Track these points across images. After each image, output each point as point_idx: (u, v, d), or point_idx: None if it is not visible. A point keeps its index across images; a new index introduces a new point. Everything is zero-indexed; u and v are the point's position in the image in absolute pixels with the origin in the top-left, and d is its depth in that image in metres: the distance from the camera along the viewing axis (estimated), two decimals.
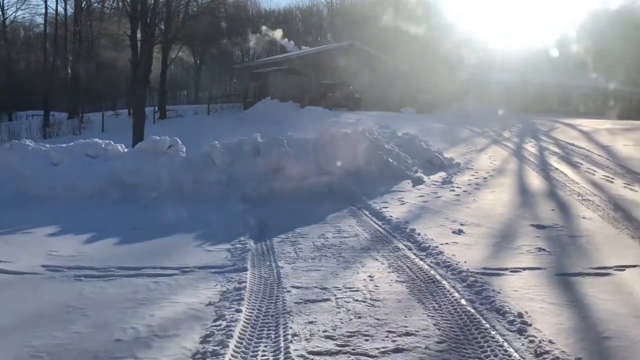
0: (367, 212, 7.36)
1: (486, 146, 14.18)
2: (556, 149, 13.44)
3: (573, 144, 14.06)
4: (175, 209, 7.33)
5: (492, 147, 14.07)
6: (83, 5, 30.50)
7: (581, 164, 11.41)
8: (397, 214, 7.12)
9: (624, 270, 4.99)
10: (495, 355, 3.26)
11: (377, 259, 5.29)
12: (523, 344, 3.41)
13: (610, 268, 5.02)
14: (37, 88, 38.08)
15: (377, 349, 3.35)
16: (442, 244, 5.66)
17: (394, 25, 38.91)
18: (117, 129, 25.76)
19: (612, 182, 9.61)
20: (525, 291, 4.36)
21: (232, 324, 3.63)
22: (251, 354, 3.28)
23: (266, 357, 3.24)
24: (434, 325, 3.70)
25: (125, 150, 8.78)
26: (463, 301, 4.12)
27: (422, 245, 5.68)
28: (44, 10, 32.04)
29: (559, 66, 33.21)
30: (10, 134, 24.26)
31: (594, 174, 10.27)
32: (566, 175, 10.14)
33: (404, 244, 5.78)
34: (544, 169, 10.79)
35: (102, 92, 33.32)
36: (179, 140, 8.87)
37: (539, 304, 4.08)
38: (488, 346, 3.38)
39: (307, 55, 28.95)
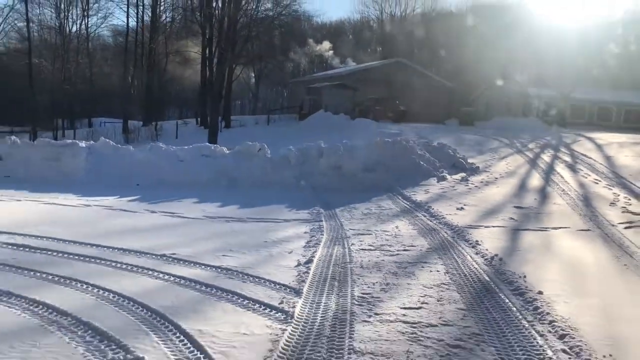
0: (399, 197, 10.75)
1: (508, 155, 17.24)
2: (567, 158, 16.35)
3: (584, 155, 16.89)
4: (267, 193, 10.94)
5: (513, 155, 17.11)
6: (158, 25, 35.19)
7: (581, 170, 14.34)
8: (421, 198, 10.48)
9: (557, 229, 8.18)
10: (458, 256, 6.58)
11: (402, 220, 8.68)
12: (474, 252, 6.70)
13: (548, 228, 8.21)
14: (110, 97, 43.42)
15: (395, 250, 6.75)
16: (446, 214, 8.97)
17: (441, 41, 42.07)
18: (188, 136, 29.99)
19: (597, 183, 12.55)
20: (487, 234, 7.64)
21: (320, 239, 7.10)
22: (330, 250, 6.73)
23: (339, 251, 6.69)
24: (428, 244, 7.06)
25: (227, 151, 12.51)
26: (447, 237, 7.45)
27: (433, 214, 9.02)
28: (124, 28, 36.82)
29: (600, 82, 35.48)
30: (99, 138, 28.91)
31: (586, 177, 13.22)
32: (563, 177, 13.15)
33: (421, 214, 9.13)
34: (548, 173, 13.82)
35: (172, 103, 37.91)
36: (265, 145, 12.54)
37: (491, 239, 7.35)
38: (454, 251, 6.71)
39: (357, 72, 32.55)
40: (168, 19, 36.92)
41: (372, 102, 29.15)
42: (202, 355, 3.56)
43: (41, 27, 36.18)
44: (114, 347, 3.65)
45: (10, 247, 6.24)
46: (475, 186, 11.98)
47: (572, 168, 14.77)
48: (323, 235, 7.42)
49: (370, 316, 4.44)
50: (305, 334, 3.99)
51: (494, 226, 8.27)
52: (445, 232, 7.73)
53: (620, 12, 44.05)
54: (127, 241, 6.65)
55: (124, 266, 5.66)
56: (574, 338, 4.02)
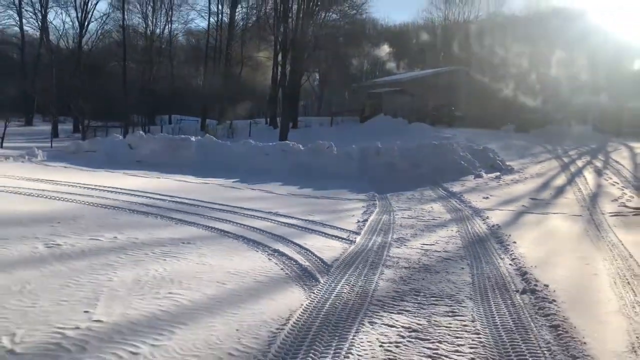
0: (440, 189, 13.80)
1: (546, 159, 19.81)
2: (599, 164, 18.75)
3: (617, 162, 19.19)
4: (334, 181, 14.27)
5: (550, 160, 19.66)
6: (234, 32, 39.43)
7: (606, 173, 16.80)
8: (456, 189, 13.49)
9: (555, 214, 11.02)
10: (469, 224, 9.61)
11: (437, 203, 11.76)
12: (482, 222, 9.71)
13: (549, 213, 11.06)
14: (187, 97, 48.23)
15: (425, 219, 9.89)
16: (473, 201, 11.97)
17: (500, 47, 44.09)
18: (259, 134, 33.88)
19: (614, 185, 15.06)
20: (498, 214, 10.60)
21: (373, 210, 10.34)
22: (380, 216, 9.94)
23: (386, 217, 9.88)
24: (451, 217, 10.15)
25: (302, 148, 15.95)
26: (467, 214, 10.50)
27: (462, 200, 12.05)
28: (202, 31, 41.33)
29: None
30: (184, 134, 33.30)
31: (607, 180, 15.73)
32: (586, 179, 15.72)
33: (453, 200, 12.17)
34: (574, 175, 16.41)
35: (244, 103, 42.14)
36: (333, 144, 15.90)
37: (499, 217, 10.32)
38: (468, 222, 9.77)
39: (417, 78, 35.45)
40: (243, 26, 41.08)
41: (429, 108, 31.99)
42: (306, 255, 6.87)
43: (130, 32, 41.20)
44: (260, 246, 7.04)
45: (174, 202, 9.87)
46: (506, 183, 14.85)
47: (598, 172, 17.25)
48: (376, 208, 10.65)
49: (399, 246, 7.63)
50: (361, 249, 7.25)
51: (506, 210, 11.22)
52: (467, 212, 10.77)
53: None
54: (243, 204, 10.15)
55: (248, 213, 9.12)
56: (519, 260, 7.05)
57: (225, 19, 40.01)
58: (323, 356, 3.83)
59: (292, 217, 9.15)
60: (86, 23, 38.52)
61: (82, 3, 38.16)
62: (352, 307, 4.89)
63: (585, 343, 4.31)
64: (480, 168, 16.23)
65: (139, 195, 10.13)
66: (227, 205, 9.90)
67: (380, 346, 4.10)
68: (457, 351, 4.10)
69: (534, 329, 4.59)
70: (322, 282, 5.62)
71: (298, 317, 4.53)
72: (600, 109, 35.76)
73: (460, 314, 4.92)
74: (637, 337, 4.50)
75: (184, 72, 48.96)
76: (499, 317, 4.86)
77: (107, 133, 32.76)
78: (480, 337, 4.39)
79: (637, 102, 35.90)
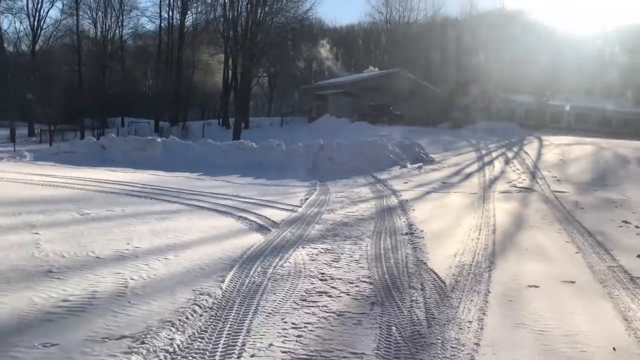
0: (370, 177, 17.04)
1: (467, 152, 23.47)
2: (510, 155, 22.52)
3: (526, 152, 23.03)
4: (283, 173, 17.28)
5: (470, 152, 23.32)
6: (185, 38, 41.85)
7: (513, 162, 20.51)
8: (384, 177, 16.77)
9: (455, 193, 14.40)
10: (386, 200, 12.84)
11: (365, 187, 14.98)
12: (396, 199, 12.95)
13: (450, 192, 14.44)
14: (139, 100, 50.12)
15: (354, 198, 13.06)
16: (394, 185, 15.24)
17: (438, 48, 48.26)
18: (213, 135, 36.46)
19: (515, 171, 18.71)
20: (410, 193, 13.87)
21: (314, 192, 13.43)
22: (319, 196, 13.04)
23: (323, 197, 12.99)
24: (374, 196, 13.36)
25: (255, 145, 18.91)
26: (387, 194, 13.75)
27: (386, 185, 15.31)
28: (153, 34, 43.54)
29: (579, 90, 41.53)
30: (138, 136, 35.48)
31: (511, 167, 19.38)
32: (494, 167, 19.33)
33: (379, 185, 15.41)
34: (485, 164, 20.01)
35: (195, 105, 44.59)
36: (282, 142, 18.93)
37: (411, 195, 13.60)
38: (385, 199, 12.99)
39: (359, 80, 38.94)
40: (194, 30, 43.52)
41: (370, 107, 35.50)
42: (262, 219, 9.84)
43: (82, 37, 42.93)
44: (228, 214, 9.98)
45: (155, 189, 12.67)
46: (425, 172, 18.27)
47: (507, 161, 20.97)
48: (316, 191, 13.75)
49: (329, 213, 10.74)
50: (301, 215, 10.30)
51: (418, 190, 14.55)
52: (387, 192, 14.02)
53: (599, 27, 50.12)
54: (210, 190, 13.04)
55: (215, 196, 12.04)
56: (411, 219, 10.27)
57: (176, 24, 42.36)
58: (273, 259, 6.87)
59: (250, 198, 12.13)
60: (39, 30, 40.10)
61: (34, 10, 39.73)
62: (292, 241, 7.96)
63: (428, 253, 7.52)
64: (407, 160, 19.62)
65: (126, 185, 12.86)
66: (197, 191, 12.78)
67: (307, 255, 7.18)
68: (350, 257, 7.23)
69: (403, 248, 7.78)
70: (273, 231, 8.65)
71: (258, 245, 7.56)
72: (525, 107, 40.26)
73: (359, 243, 8.06)
74: (461, 252, 7.75)
75: (136, 76, 50.82)
76: (383, 244, 8.03)
77: (62, 137, 34.65)
78: (367, 252, 7.53)
79: (561, 100, 40.69)
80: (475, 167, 19.53)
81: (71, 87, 38.65)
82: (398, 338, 4.49)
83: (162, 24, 41.59)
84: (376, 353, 4.19)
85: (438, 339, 4.49)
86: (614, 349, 4.45)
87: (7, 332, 4.17)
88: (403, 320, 4.89)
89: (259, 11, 34.03)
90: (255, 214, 10.12)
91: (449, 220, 10.50)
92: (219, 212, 10.19)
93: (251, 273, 6.19)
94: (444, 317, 5.03)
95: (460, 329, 4.74)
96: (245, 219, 9.61)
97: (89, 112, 38.60)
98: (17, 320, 4.42)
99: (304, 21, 43.96)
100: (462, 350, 4.28)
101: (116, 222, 8.50)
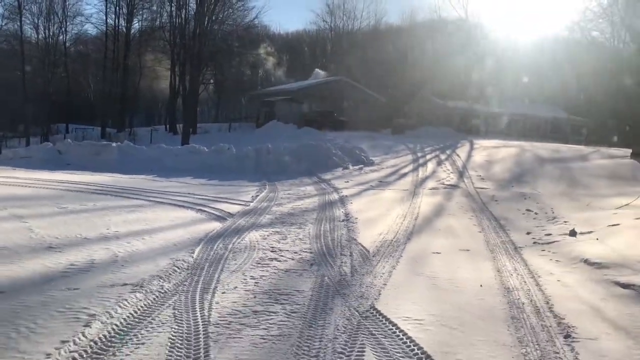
0: (315, 177, 18.82)
1: (404, 155, 25.66)
2: (443, 157, 24.85)
3: (458, 155, 25.43)
4: (234, 174, 18.82)
5: (408, 155, 25.51)
6: (131, 44, 42.63)
7: (444, 164, 22.78)
8: (327, 177, 18.58)
9: (390, 190, 16.36)
10: (328, 196, 14.63)
11: (310, 186, 16.73)
12: (337, 195, 14.76)
13: (385, 189, 16.40)
14: (83, 106, 50.27)
15: (299, 194, 14.79)
16: (336, 184, 17.06)
17: (379, 57, 50.79)
18: (160, 140, 37.42)
19: (445, 171, 20.93)
20: (350, 190, 15.73)
21: (264, 191, 15.07)
22: (268, 194, 14.69)
23: (272, 194, 14.64)
24: (318, 193, 15.13)
25: (207, 149, 20.35)
26: (329, 191, 15.56)
27: (329, 184, 17.12)
28: (99, 40, 44.05)
29: (510, 96, 44.92)
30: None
31: (442, 168, 21.62)
32: (427, 168, 21.51)
33: (323, 184, 17.21)
34: (420, 166, 22.17)
35: (142, 111, 45.29)
36: (232, 146, 20.46)
37: (350, 191, 15.45)
38: (328, 195, 14.79)
39: (305, 87, 40.86)
40: (139, 37, 44.31)
41: (315, 114, 37.45)
42: (218, 211, 11.41)
43: (25, 43, 42.92)
44: (188, 208, 11.50)
45: (117, 189, 13.98)
46: (365, 172, 20.22)
47: (439, 163, 23.24)
48: (265, 189, 15.39)
49: (278, 207, 12.40)
50: (253, 208, 11.93)
51: (357, 188, 16.42)
52: (329, 190, 15.82)
53: (534, 37, 54.17)
54: (167, 189, 14.45)
55: (173, 194, 13.48)
56: (348, 210, 12.07)
57: (122, 30, 43.02)
58: (232, 239, 8.49)
59: (205, 196, 13.65)
60: None
61: None
62: (246, 227, 9.59)
63: (359, 233, 9.32)
64: (349, 162, 21.53)
65: (89, 185, 14.10)
66: (156, 190, 14.18)
67: (260, 236, 8.84)
68: (295, 237, 8.94)
69: (339, 230, 9.55)
70: (229, 220, 10.26)
71: (218, 230, 9.16)
72: (462, 113, 43.23)
73: (303, 228, 9.78)
74: (386, 232, 9.59)
75: (80, 82, 50.91)
76: (323, 227, 9.79)
77: (6, 144, 34.83)
78: (309, 233, 9.26)
79: (493, 106, 43.91)
80: (410, 168, 21.66)
81: (13, 94, 38.75)
82: (328, 282, 6.23)
83: (108, 31, 42.19)
84: (311, 289, 5.92)
85: (357, 282, 6.27)
86: (480, 285, 6.35)
87: (37, 283, 5.64)
88: (333, 273, 6.65)
89: (206, 19, 35.40)
90: (212, 207, 11.67)
91: (381, 210, 12.38)
92: (180, 206, 11.68)
93: (215, 247, 7.80)
94: (364, 270, 6.81)
95: (375, 277, 6.54)
96: (204, 211, 11.16)
97: (33, 119, 38.77)
98: (40, 277, 5.89)
99: (251, 28, 45.54)
100: (373, 288, 6.06)
101: (92, 214, 9.89)
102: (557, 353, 4.44)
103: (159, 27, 41.44)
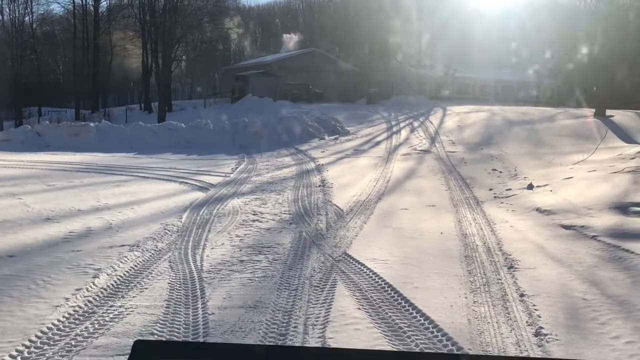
0: (292, 148, 19.50)
1: (378, 124, 26.43)
2: (416, 124, 25.68)
3: (430, 121, 26.28)
4: (212, 149, 19.40)
5: (382, 124, 26.28)
6: (101, 23, 42.34)
7: (417, 130, 23.62)
8: (304, 148, 19.28)
9: (364, 157, 17.15)
10: (305, 165, 15.36)
11: (288, 157, 17.44)
12: (314, 164, 15.50)
13: (360, 157, 17.18)
14: (55, 88, 49.85)
15: (278, 164, 15.50)
16: (313, 154, 17.78)
17: (351, 26, 51.11)
18: (136, 119, 37.49)
19: (417, 137, 21.77)
20: (326, 159, 16.48)
21: (243, 163, 15.74)
22: (247, 165, 15.37)
23: (251, 165, 15.32)
24: (295, 163, 15.85)
25: (184, 126, 20.85)
26: (306, 160, 16.28)
27: (306, 154, 17.83)
28: (67, 21, 43.63)
29: (483, 62, 45.79)
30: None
31: (415, 134, 22.45)
32: (400, 136, 22.32)
33: (300, 154, 17.91)
34: (393, 133, 22.98)
35: (116, 91, 45.18)
36: (209, 121, 20.98)
37: (326, 160, 16.20)
38: (305, 164, 15.52)
39: (279, 60, 41.15)
40: (107, 14, 43.99)
41: (290, 87, 37.88)
42: (200, 182, 12.07)
43: None
44: (171, 181, 12.14)
45: (101, 166, 14.51)
46: (341, 142, 20.96)
47: (412, 130, 24.07)
48: (244, 162, 16.05)
49: (257, 176, 13.11)
50: (233, 179, 12.62)
51: (333, 157, 17.17)
52: (306, 159, 16.54)
53: (507, 2, 54.82)
54: (148, 165, 15.02)
55: (155, 169, 14.08)
56: (324, 177, 12.82)
57: (90, 9, 42.64)
58: (216, 205, 9.19)
59: (186, 169, 14.28)
60: None
61: None
62: (228, 195, 10.30)
63: (334, 196, 10.09)
64: (325, 133, 22.23)
65: (72, 164, 14.60)
66: (138, 166, 14.76)
67: (242, 202, 9.56)
68: (275, 201, 9.68)
69: (315, 194, 10.31)
70: (211, 190, 10.94)
71: (202, 198, 9.85)
72: (435, 80, 44.02)
73: (282, 194, 10.52)
74: (359, 194, 10.38)
75: (50, 64, 50.42)
76: (300, 193, 10.54)
77: None
78: (288, 198, 10.00)
79: (468, 72, 44.74)
80: (384, 136, 22.45)
81: None
82: (305, 236, 7.01)
83: (75, 10, 41.78)
84: (290, 242, 6.70)
85: (331, 235, 7.05)
86: (441, 233, 7.18)
87: (43, 248, 6.31)
88: (310, 229, 7.43)
89: None
90: (194, 179, 12.33)
91: (355, 176, 13.17)
92: (163, 180, 12.31)
93: (201, 213, 8.51)
94: (338, 226, 7.60)
95: (347, 230, 7.33)
96: (187, 183, 11.82)
97: (3, 103, 38.53)
98: (44, 243, 6.55)
99: (221, 2, 45.43)
100: (346, 239, 6.85)
101: (80, 190, 10.49)
102: (500, 279, 5.29)
103: (128, 4, 41.10)
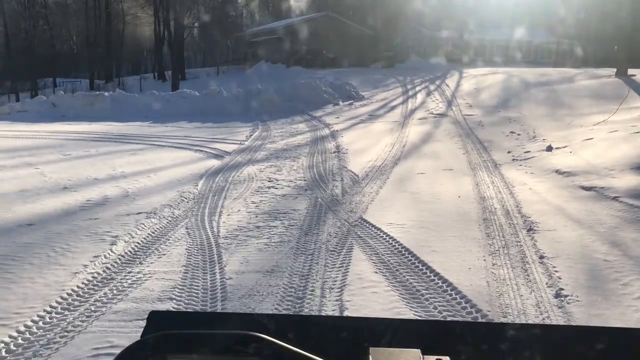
0: (306, 115, 19.37)
1: (393, 88, 26.09)
2: (432, 87, 25.32)
3: (446, 84, 25.89)
4: (226, 117, 19.35)
5: (397, 88, 25.95)
6: None
7: (434, 94, 23.29)
8: (318, 114, 19.14)
9: (380, 122, 16.98)
10: (319, 132, 15.27)
11: (302, 124, 17.33)
12: (328, 130, 15.39)
13: (375, 122, 17.02)
14: (68, 59, 49.85)
15: (292, 131, 15.42)
16: (327, 120, 17.65)
17: None
18: (150, 87, 37.48)
19: (434, 101, 21.48)
20: (341, 125, 16.35)
21: (257, 130, 15.68)
22: (261, 133, 15.31)
23: (265, 133, 15.26)
24: (309, 129, 15.75)
25: (198, 94, 20.77)
26: (320, 127, 16.17)
27: (320, 120, 17.71)
28: None
29: (498, 23, 44.79)
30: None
31: (431, 98, 22.15)
32: (416, 100, 22.03)
33: (314, 121, 17.79)
34: (409, 98, 22.69)
35: (129, 60, 45.06)
36: (222, 89, 20.86)
37: (341, 126, 16.07)
38: (319, 130, 15.42)
39: (292, 25, 40.56)
40: None
41: (304, 52, 37.45)
42: (215, 150, 12.05)
43: None
44: (186, 149, 12.14)
45: (116, 135, 14.56)
46: (355, 107, 20.75)
47: (428, 93, 23.74)
48: (259, 129, 15.99)
49: (271, 144, 13.06)
50: (248, 146, 12.58)
51: (348, 122, 17.02)
52: (320, 126, 16.42)
53: None
54: (163, 134, 15.03)
55: (170, 137, 14.09)
56: (339, 142, 12.73)
57: None
58: (231, 172, 9.19)
59: (201, 137, 14.26)
60: None
61: None
62: (243, 163, 10.28)
63: (349, 162, 10.02)
64: (339, 98, 22.01)
65: (88, 134, 14.67)
66: (153, 135, 14.78)
67: (257, 169, 9.54)
68: (290, 168, 9.64)
69: (330, 160, 10.25)
70: (226, 157, 10.93)
71: (217, 166, 9.84)
72: (451, 42, 43.21)
73: (297, 161, 10.47)
74: (375, 159, 10.29)
75: (63, 35, 50.31)
76: (315, 159, 10.48)
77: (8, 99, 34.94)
78: (303, 165, 9.96)
79: (484, 34, 43.83)
80: (400, 100, 22.17)
81: None
82: (321, 202, 6.98)
83: None
84: (306, 208, 6.67)
85: (347, 201, 7.01)
86: (459, 196, 7.10)
87: (61, 216, 6.37)
88: (325, 195, 7.39)
89: None
90: (209, 147, 12.32)
91: (371, 141, 13.05)
92: (178, 148, 12.32)
93: (216, 180, 8.51)
94: (354, 191, 7.56)
95: (363, 195, 7.28)
96: (202, 151, 11.81)
97: (19, 75, 38.73)
98: (62, 211, 6.61)
99: None
100: (362, 204, 6.81)
101: (96, 159, 10.54)
102: (519, 242, 5.22)
103: None
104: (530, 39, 45.08)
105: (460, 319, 3.65)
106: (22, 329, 3.63)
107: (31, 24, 41.06)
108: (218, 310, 3.88)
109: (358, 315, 3.75)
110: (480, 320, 3.64)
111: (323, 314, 3.76)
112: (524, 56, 43.58)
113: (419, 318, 3.65)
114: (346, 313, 3.78)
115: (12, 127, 16.01)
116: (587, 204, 6.49)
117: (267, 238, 5.47)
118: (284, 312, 3.84)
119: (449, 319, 3.65)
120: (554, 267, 4.56)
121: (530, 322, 3.64)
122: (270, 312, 3.71)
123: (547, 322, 3.62)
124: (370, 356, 0.76)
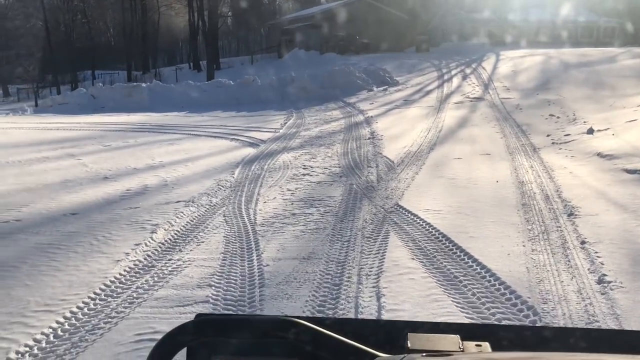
0: (340, 101, 19.30)
1: (429, 72, 25.73)
2: (468, 70, 24.86)
3: (483, 67, 25.37)
4: (261, 105, 19.44)
5: (432, 73, 25.58)
6: None
7: (470, 77, 22.87)
8: (352, 100, 19.04)
9: (415, 107, 16.79)
10: (354, 118, 15.20)
11: (336, 110, 17.28)
12: (362, 116, 15.31)
13: (410, 107, 16.84)
14: (106, 51, 50.79)
15: (327, 118, 15.39)
16: (361, 106, 17.55)
17: None
18: (186, 78, 37.95)
19: (470, 85, 21.11)
20: (375, 111, 16.24)
21: (291, 118, 15.71)
22: (296, 121, 15.34)
23: (300, 120, 15.28)
24: (343, 116, 15.70)
25: (233, 83, 20.92)
26: (355, 113, 16.09)
27: (354, 107, 17.62)
28: None
29: (537, 3, 43.55)
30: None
31: (467, 82, 21.77)
32: (451, 84, 21.69)
33: (349, 107, 17.71)
34: (444, 82, 22.34)
35: (164, 51, 45.63)
36: (257, 77, 20.96)
37: (375, 112, 15.97)
38: (354, 117, 15.35)
39: (325, 11, 40.36)
40: None
41: (337, 38, 37.23)
42: (251, 139, 12.15)
43: None
44: (222, 138, 12.27)
45: (154, 126, 14.81)
46: (390, 93, 20.56)
47: (464, 77, 23.33)
48: (293, 117, 16.02)
49: (306, 131, 13.07)
50: (283, 134, 12.63)
51: (382, 108, 16.89)
52: (354, 112, 16.35)
53: None
54: (199, 123, 15.22)
55: (206, 127, 14.25)
56: (374, 129, 12.66)
57: None
58: (266, 160, 9.25)
59: (236, 126, 14.38)
60: None
61: None
62: (278, 150, 10.33)
63: (384, 148, 9.96)
64: (373, 84, 21.85)
65: (126, 125, 14.98)
66: (190, 125, 14.98)
67: (292, 157, 9.57)
68: (325, 155, 9.64)
69: (365, 147, 10.21)
70: (261, 146, 11.00)
71: (253, 154, 9.92)
72: (487, 24, 42.27)
73: (331, 147, 10.46)
74: (410, 145, 10.19)
75: (100, 27, 51.30)
76: (349, 146, 10.45)
77: (39, 94, 35.94)
78: (337, 152, 9.94)
79: (514, 16, 42.74)
80: (435, 84, 21.86)
81: (38, 45, 39.59)
82: (356, 188, 6.97)
83: None
84: (342, 195, 6.67)
85: (382, 187, 6.98)
86: (497, 181, 6.99)
87: (103, 205, 6.54)
88: (360, 181, 7.37)
89: None
90: (244, 136, 12.42)
91: (406, 127, 12.94)
92: (214, 137, 12.46)
93: (252, 168, 8.58)
94: (389, 178, 7.51)
95: (399, 182, 7.24)
96: (237, 139, 11.92)
97: (61, 68, 39.69)
98: (103, 200, 6.78)
99: None
100: (397, 191, 6.77)
101: (135, 149, 10.76)
102: (559, 227, 5.11)
103: None
104: (570, 18, 43.70)
105: (499, 309, 3.61)
106: (69, 314, 3.76)
107: (70, 17, 41.94)
108: (257, 298, 3.93)
109: (395, 301, 3.76)
110: (520, 306, 3.59)
111: (360, 303, 3.77)
112: (570, 36, 42.35)
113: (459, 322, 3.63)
114: (383, 299, 3.78)
115: (54, 119, 16.46)
116: (631, 187, 6.30)
117: (303, 225, 5.50)
118: (321, 298, 3.87)
119: (489, 320, 3.62)
120: (596, 252, 4.46)
121: (572, 309, 3.58)
122: (307, 315, 3.75)
123: (590, 309, 3.55)
124: (408, 341, 0.76)
